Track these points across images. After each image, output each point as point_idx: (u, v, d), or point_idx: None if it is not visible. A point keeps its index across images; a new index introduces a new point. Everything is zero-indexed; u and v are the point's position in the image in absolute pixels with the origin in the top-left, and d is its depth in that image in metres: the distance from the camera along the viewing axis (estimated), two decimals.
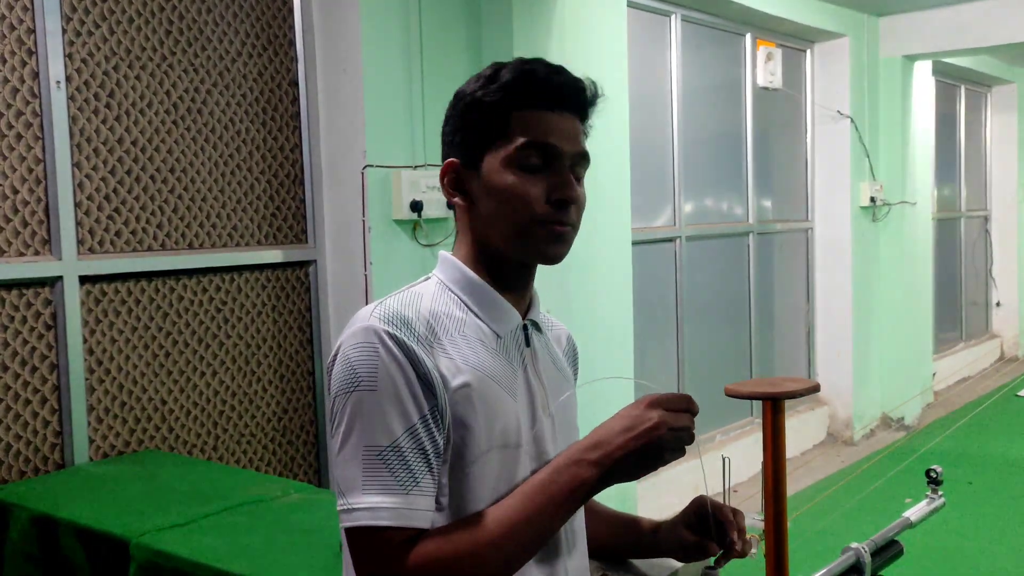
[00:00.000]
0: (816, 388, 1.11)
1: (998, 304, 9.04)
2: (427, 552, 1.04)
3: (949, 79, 8.04)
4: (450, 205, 1.22)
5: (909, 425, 6.56)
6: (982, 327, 8.95)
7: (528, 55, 1.19)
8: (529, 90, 1.14)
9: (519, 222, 1.14)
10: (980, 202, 8.92)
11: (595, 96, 1.19)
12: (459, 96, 1.20)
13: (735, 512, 1.21)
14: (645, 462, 1.07)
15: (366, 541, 1.05)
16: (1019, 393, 7.31)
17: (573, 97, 1.16)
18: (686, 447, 1.08)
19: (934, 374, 7.32)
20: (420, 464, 1.05)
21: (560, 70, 1.17)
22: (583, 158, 1.18)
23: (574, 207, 1.16)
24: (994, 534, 4.36)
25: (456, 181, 1.19)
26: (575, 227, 1.17)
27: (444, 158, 1.21)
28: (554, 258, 1.16)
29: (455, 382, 1.09)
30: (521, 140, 1.13)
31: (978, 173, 8.87)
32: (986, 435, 6.07)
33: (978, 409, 6.29)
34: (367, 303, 3.56)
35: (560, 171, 1.15)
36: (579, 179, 1.18)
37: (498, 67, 1.17)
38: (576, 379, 1.37)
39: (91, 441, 2.86)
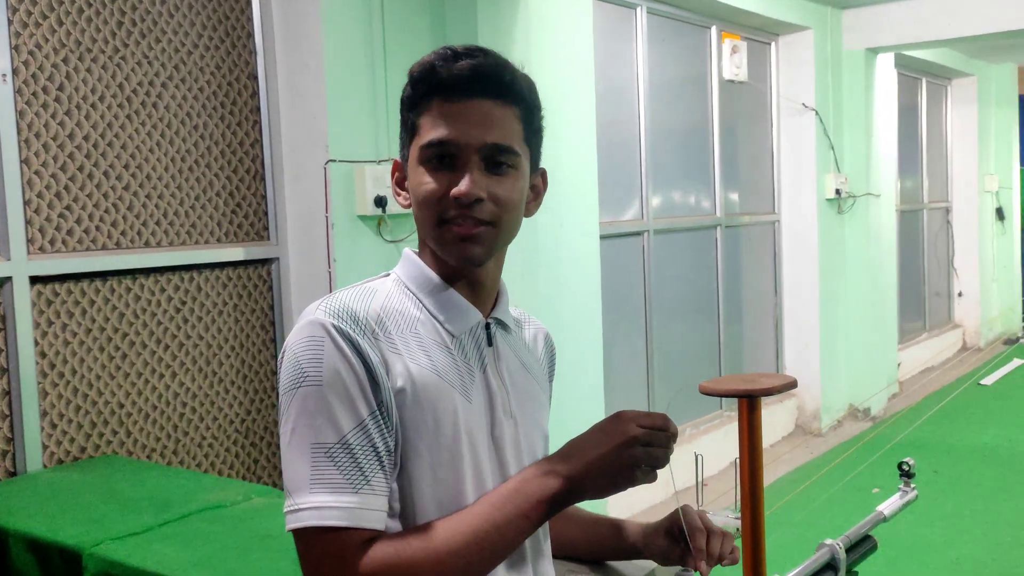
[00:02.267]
0: (793, 384, 1.08)
1: (960, 294, 9.17)
2: (383, 557, 0.99)
3: (910, 72, 8.12)
4: None
5: (875, 416, 6.62)
6: (945, 317, 9.07)
7: (493, 48, 1.13)
8: (430, 82, 1.08)
9: (429, 223, 1.09)
10: (942, 194, 9.03)
11: (512, 78, 1.09)
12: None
13: (711, 535, 1.16)
14: (616, 478, 1.02)
15: (314, 543, 1.00)
16: (982, 382, 7.41)
17: (478, 83, 1.06)
18: (660, 469, 1.03)
19: (899, 364, 7.39)
20: (371, 462, 1.01)
21: (465, 55, 1.07)
22: (499, 149, 1.07)
23: (489, 203, 1.07)
24: (961, 522, 4.40)
25: (401, 179, 1.16)
26: (496, 226, 1.08)
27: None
28: (466, 260, 1.09)
29: (402, 382, 1.04)
30: (423, 139, 1.08)
31: (939, 165, 8.98)
32: (951, 424, 6.14)
33: (944, 401, 6.36)
34: None
35: (462, 166, 1.07)
36: (500, 172, 1.08)
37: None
38: (552, 380, 1.32)
39: (44, 447, 2.76)
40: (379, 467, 1.01)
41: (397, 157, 1.17)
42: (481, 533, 1.02)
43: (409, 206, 1.13)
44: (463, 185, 1.05)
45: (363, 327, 1.04)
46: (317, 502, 0.99)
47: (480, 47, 1.10)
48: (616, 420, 1.04)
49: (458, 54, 1.07)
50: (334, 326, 1.03)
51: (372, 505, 1.00)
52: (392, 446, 1.04)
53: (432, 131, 1.07)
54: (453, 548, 1.00)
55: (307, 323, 1.05)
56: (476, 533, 1.02)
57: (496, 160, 1.08)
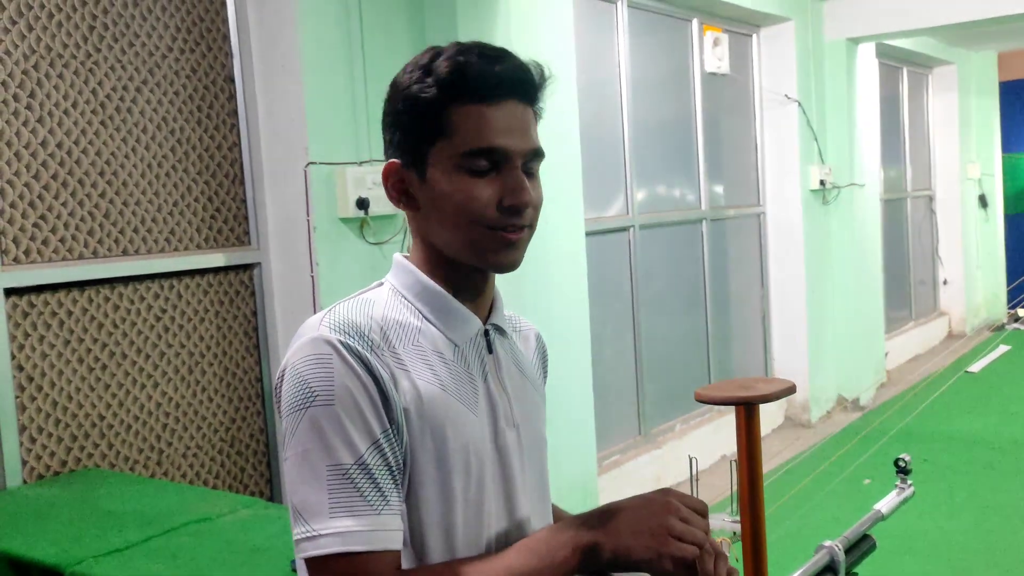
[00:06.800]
0: (792, 390, 1.04)
1: (945, 282, 9.19)
2: None
3: (892, 61, 8.12)
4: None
5: (864, 406, 6.62)
6: (930, 305, 9.09)
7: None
8: (466, 84, 1.03)
9: (469, 231, 1.05)
10: (925, 182, 9.05)
11: (542, 79, 1.09)
12: (395, 88, 1.09)
13: (718, 557, 1.10)
14: (650, 542, 0.99)
15: (338, 571, 0.96)
16: (969, 369, 7.43)
17: (516, 85, 1.05)
18: (692, 550, 0.99)
19: (887, 354, 7.40)
20: (387, 480, 0.98)
21: (500, 57, 1.06)
22: (536, 155, 1.07)
23: (529, 209, 1.07)
24: (951, 511, 4.40)
25: (400, 184, 1.10)
26: (532, 228, 1.09)
27: (387, 157, 1.12)
28: (507, 267, 1.08)
29: (408, 399, 1.01)
30: (466, 146, 1.03)
31: (922, 153, 8.99)
32: (939, 412, 6.15)
33: (936, 393, 6.36)
34: (315, 305, 3.43)
35: (511, 173, 1.05)
36: (533, 175, 1.08)
37: (434, 54, 1.06)
38: (545, 380, 1.29)
39: (24, 463, 2.70)
40: (394, 485, 0.99)
41: (380, 157, 1.13)
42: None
43: (414, 213, 1.09)
44: (523, 195, 1.04)
45: (369, 342, 1.01)
46: (339, 527, 0.95)
47: (500, 48, 1.08)
48: (660, 492, 1.04)
49: (487, 55, 1.05)
50: (341, 342, 0.99)
51: (392, 525, 0.98)
52: (403, 462, 1.01)
53: (476, 138, 1.03)
54: None
55: (310, 340, 1.01)
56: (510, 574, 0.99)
57: (530, 164, 1.07)
